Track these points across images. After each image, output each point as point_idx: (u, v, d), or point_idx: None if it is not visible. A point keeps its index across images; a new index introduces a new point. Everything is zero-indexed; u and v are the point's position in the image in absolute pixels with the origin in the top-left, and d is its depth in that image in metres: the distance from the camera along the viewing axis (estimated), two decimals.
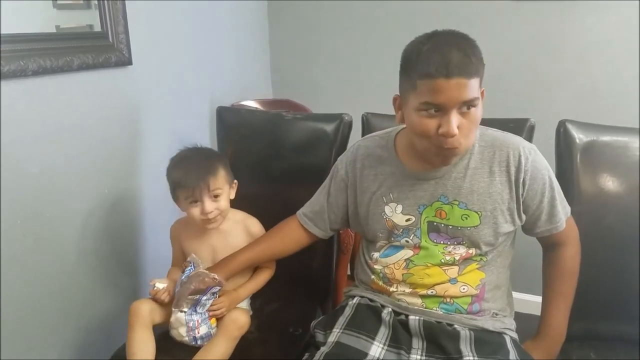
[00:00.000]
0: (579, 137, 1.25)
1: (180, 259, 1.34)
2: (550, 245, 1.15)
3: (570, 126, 1.25)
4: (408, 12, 1.92)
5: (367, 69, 2.06)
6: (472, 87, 0.93)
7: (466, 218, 1.05)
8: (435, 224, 1.07)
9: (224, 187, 1.24)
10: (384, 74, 1.99)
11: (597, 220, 1.22)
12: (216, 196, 1.22)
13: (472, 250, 1.07)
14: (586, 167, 1.24)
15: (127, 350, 1.16)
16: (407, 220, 1.09)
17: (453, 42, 0.94)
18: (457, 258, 1.07)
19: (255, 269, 1.35)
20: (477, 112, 0.96)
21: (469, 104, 0.94)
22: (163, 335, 1.23)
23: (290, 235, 1.26)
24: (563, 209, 1.09)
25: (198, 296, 1.17)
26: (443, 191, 1.06)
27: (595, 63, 1.76)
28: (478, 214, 1.05)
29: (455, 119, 0.93)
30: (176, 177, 1.21)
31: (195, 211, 1.21)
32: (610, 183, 1.23)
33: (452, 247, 1.07)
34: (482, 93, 0.99)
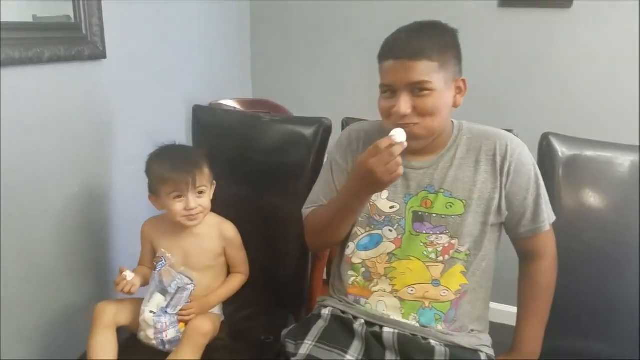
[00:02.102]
0: (562, 150, 1.24)
1: (149, 259, 1.30)
2: (527, 256, 1.14)
3: (553, 139, 1.24)
4: (391, 17, 1.87)
5: (349, 72, 2.04)
6: (420, 69, 0.95)
7: (450, 206, 1.05)
8: (420, 213, 1.07)
9: (207, 184, 1.22)
10: (365, 78, 1.97)
11: (577, 236, 1.21)
12: (200, 192, 1.19)
13: (455, 241, 1.05)
14: (568, 182, 1.23)
15: (87, 352, 1.13)
16: (392, 207, 1.09)
17: (413, 27, 1.00)
18: (439, 250, 1.06)
19: (227, 273, 1.32)
20: (435, 98, 0.98)
21: (419, 86, 0.96)
22: (131, 339, 1.21)
23: None
24: (548, 211, 1.09)
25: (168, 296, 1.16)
26: (430, 181, 1.07)
27: (581, 74, 1.74)
28: (462, 202, 1.05)
29: (404, 99, 0.97)
30: (161, 171, 1.18)
31: (179, 207, 1.18)
32: (592, 199, 1.22)
33: (434, 236, 1.06)
34: (463, 82, 1.03)
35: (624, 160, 1.22)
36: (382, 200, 1.09)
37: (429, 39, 0.97)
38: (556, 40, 1.75)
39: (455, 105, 1.03)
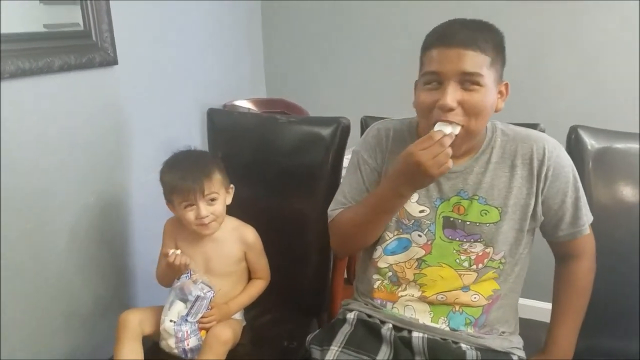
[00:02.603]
0: (591, 143, 1.19)
1: None
2: (565, 257, 1.10)
3: (582, 132, 1.20)
4: (409, 13, 1.86)
5: (365, 69, 2.00)
6: (473, 60, 0.90)
7: (485, 214, 1.01)
8: (451, 219, 1.03)
9: (219, 190, 1.20)
10: (382, 75, 1.95)
11: (609, 233, 1.16)
12: (212, 200, 1.18)
13: (490, 250, 1.02)
14: (598, 176, 1.18)
15: None
16: (421, 211, 1.04)
17: (465, 19, 0.95)
18: (472, 258, 1.02)
19: (249, 279, 1.31)
20: (483, 96, 0.92)
21: (470, 78, 0.91)
22: (153, 348, 1.20)
23: None
24: (586, 212, 1.05)
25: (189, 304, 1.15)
26: (463, 186, 1.02)
27: (607, 63, 1.69)
28: (498, 210, 1.00)
29: (452, 90, 0.91)
30: (170, 180, 1.18)
31: (191, 215, 1.17)
32: (623, 193, 1.17)
33: (468, 244, 1.02)
34: (505, 87, 0.99)
35: None
36: (412, 204, 1.05)
37: (482, 33, 0.93)
38: (580, 29, 1.70)
39: (496, 110, 0.98)
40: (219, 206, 1.20)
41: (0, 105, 1.08)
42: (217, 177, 1.20)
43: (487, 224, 1.01)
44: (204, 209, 1.17)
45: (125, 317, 1.16)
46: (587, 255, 1.09)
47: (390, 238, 1.08)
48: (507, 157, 1.02)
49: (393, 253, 1.07)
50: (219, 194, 1.20)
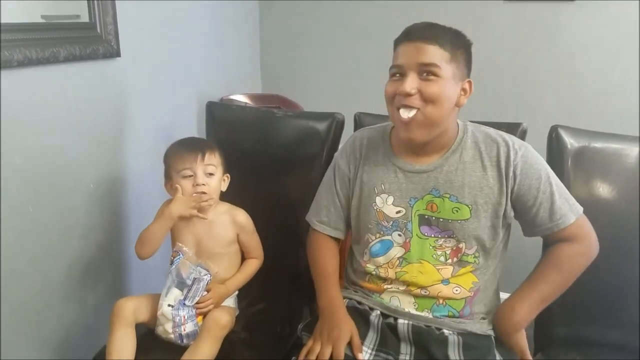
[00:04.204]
0: (570, 142, 1.25)
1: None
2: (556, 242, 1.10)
3: (562, 131, 1.25)
4: (400, 11, 1.91)
5: (359, 67, 2.04)
6: (431, 53, 0.99)
7: (457, 211, 1.06)
8: (426, 217, 1.08)
9: (218, 167, 1.24)
10: (376, 72, 1.97)
11: None
12: (210, 174, 1.22)
13: (462, 245, 1.07)
14: (577, 173, 1.24)
15: (107, 350, 1.13)
16: (398, 212, 1.10)
17: (433, 23, 1.04)
18: (447, 252, 1.07)
19: (242, 260, 1.34)
20: (440, 86, 0.99)
21: (428, 69, 0.99)
22: (148, 334, 1.21)
23: (333, 249, 1.23)
24: (569, 207, 1.06)
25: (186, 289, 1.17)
26: (434, 184, 1.07)
27: (585, 66, 1.75)
28: (469, 208, 1.05)
29: (411, 80, 1.00)
30: (173, 148, 1.24)
31: (187, 184, 1.20)
32: (600, 190, 1.23)
33: (442, 240, 1.07)
34: (469, 84, 1.05)
35: (632, 152, 1.24)
36: (389, 206, 1.11)
37: (444, 32, 1.02)
38: (561, 33, 1.75)
39: (458, 105, 1.05)
40: (215, 182, 1.23)
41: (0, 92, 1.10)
42: (218, 153, 1.26)
43: (459, 221, 1.06)
44: (201, 176, 1.20)
45: (120, 304, 1.16)
46: (580, 240, 1.07)
47: (373, 240, 1.13)
48: (478, 157, 1.07)
49: (377, 255, 1.12)
50: (217, 169, 1.23)
